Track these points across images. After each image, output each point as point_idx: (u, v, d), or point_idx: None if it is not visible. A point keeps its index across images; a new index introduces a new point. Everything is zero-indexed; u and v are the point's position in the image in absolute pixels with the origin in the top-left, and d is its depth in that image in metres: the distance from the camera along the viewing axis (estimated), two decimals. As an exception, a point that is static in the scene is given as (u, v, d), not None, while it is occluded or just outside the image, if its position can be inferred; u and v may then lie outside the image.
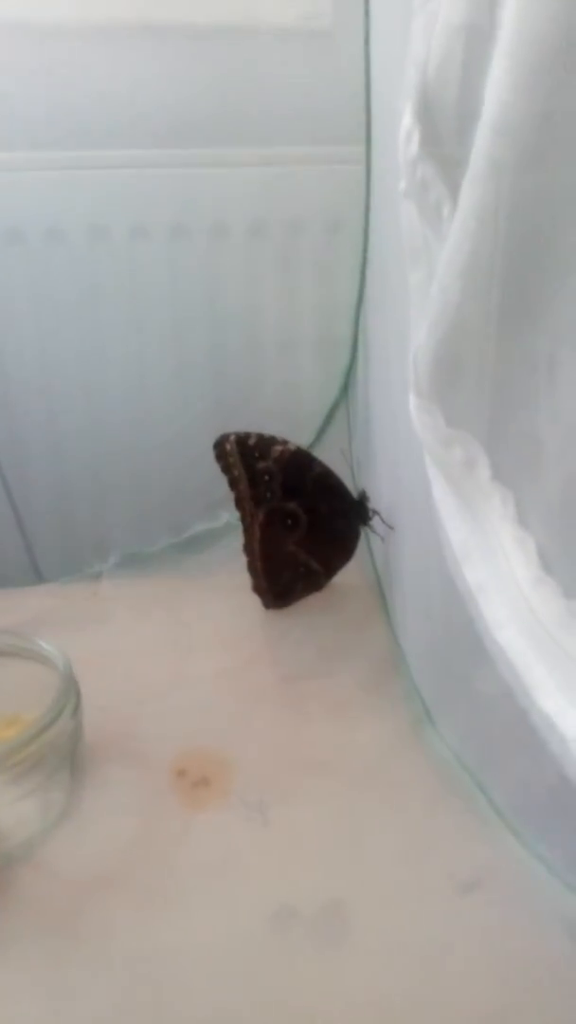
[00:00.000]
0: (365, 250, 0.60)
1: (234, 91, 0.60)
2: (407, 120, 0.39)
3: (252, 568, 0.55)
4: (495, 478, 0.36)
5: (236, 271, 0.63)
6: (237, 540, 0.61)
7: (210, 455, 0.61)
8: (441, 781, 0.41)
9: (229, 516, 0.65)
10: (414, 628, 0.48)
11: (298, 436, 0.60)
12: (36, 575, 0.70)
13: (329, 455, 0.58)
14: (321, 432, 0.65)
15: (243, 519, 0.54)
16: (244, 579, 0.57)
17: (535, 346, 0.33)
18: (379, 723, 0.46)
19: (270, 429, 0.56)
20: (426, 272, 0.41)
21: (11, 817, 0.39)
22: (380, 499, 0.54)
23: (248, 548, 0.55)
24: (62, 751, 0.40)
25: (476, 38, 0.35)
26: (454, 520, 0.38)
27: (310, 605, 0.57)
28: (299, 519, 0.53)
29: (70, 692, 0.41)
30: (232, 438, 0.53)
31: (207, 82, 0.59)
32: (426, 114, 0.38)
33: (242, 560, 0.57)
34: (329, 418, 0.65)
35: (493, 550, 0.36)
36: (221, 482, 0.62)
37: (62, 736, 0.40)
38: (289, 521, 0.53)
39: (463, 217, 0.34)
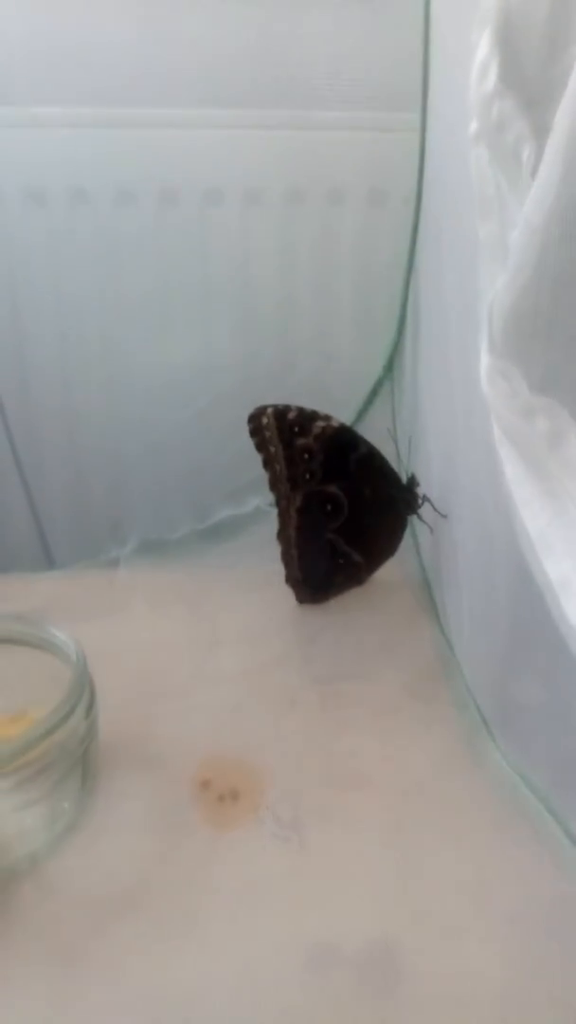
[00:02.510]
0: (417, 221, 0.56)
1: (274, 52, 0.55)
2: (483, 50, 0.34)
3: (286, 557, 0.50)
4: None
5: (270, 240, 0.58)
6: (266, 528, 0.56)
7: (239, 434, 0.56)
8: (503, 803, 0.36)
9: (259, 502, 0.60)
10: (471, 630, 0.43)
11: (336, 415, 0.56)
12: (48, 560, 0.67)
13: (371, 436, 0.52)
14: (363, 412, 0.59)
15: (278, 502, 0.49)
16: (275, 570, 0.52)
17: None
18: (429, 734, 0.41)
19: (314, 406, 0.51)
20: (498, 223, 0.36)
21: (13, 827, 0.34)
22: (430, 485, 0.49)
23: (282, 535, 0.50)
24: (72, 755, 0.35)
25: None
26: (532, 506, 0.33)
27: (348, 601, 0.52)
28: (340, 504, 0.48)
29: (83, 688, 0.36)
30: (269, 411, 0.47)
31: (246, 42, 0.55)
32: (507, 42, 0.34)
33: (272, 551, 0.52)
34: (372, 396, 0.59)
35: (576, 540, 0.31)
36: (250, 464, 0.58)
37: (73, 738, 0.35)
38: (329, 506, 0.48)
39: (559, 145, 0.30)
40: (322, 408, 0.51)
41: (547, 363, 0.32)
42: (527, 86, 0.34)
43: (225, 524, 0.60)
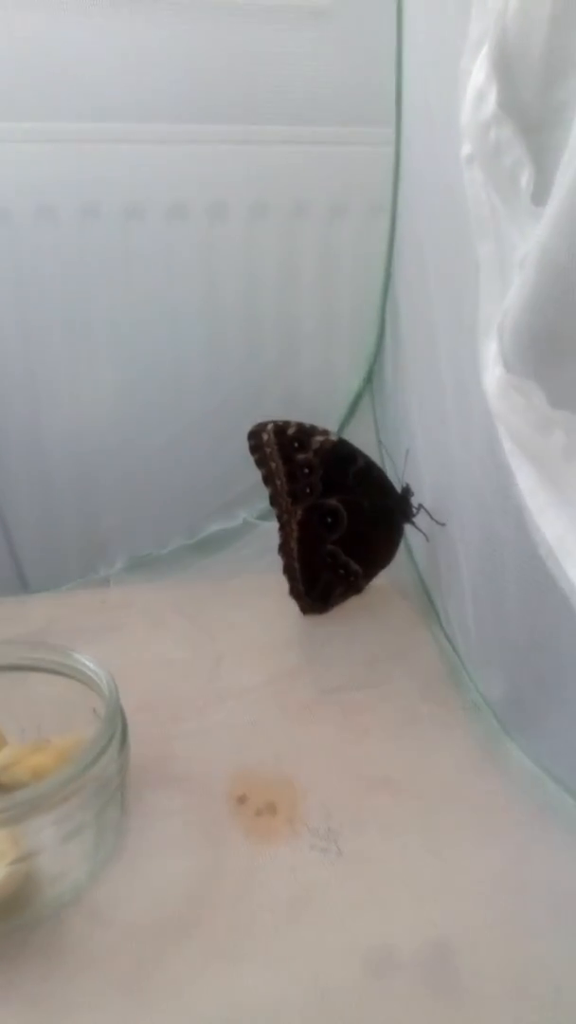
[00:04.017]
0: (392, 233, 0.57)
1: (243, 68, 0.56)
2: (479, 78, 0.35)
3: (289, 571, 0.51)
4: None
5: (245, 255, 0.59)
6: (256, 540, 0.57)
7: (225, 448, 0.56)
8: (531, 799, 0.38)
9: (246, 515, 0.61)
10: (480, 634, 0.45)
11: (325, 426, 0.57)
12: (21, 582, 0.64)
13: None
14: (344, 423, 0.61)
15: (279, 517, 0.50)
16: (271, 582, 0.53)
17: None
18: (448, 738, 0.42)
19: (296, 419, 0.52)
20: (495, 243, 0.38)
21: (60, 859, 0.33)
22: (422, 494, 0.51)
23: (284, 549, 0.50)
24: (112, 784, 0.35)
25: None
26: (547, 514, 0.35)
27: (349, 609, 0.53)
28: (340, 516, 0.49)
29: (119, 718, 0.36)
30: (270, 427, 0.48)
31: (223, 58, 0.55)
32: (504, 69, 0.35)
33: (265, 562, 0.53)
34: (353, 408, 0.61)
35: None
36: (236, 478, 0.58)
37: (112, 767, 0.35)
38: (329, 519, 0.49)
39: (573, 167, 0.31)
40: (311, 420, 0.53)
41: (566, 379, 0.34)
42: (525, 112, 0.35)
43: (214, 538, 0.60)
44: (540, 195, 0.34)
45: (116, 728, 0.35)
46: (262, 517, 0.59)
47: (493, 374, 0.35)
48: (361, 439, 0.56)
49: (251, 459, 0.51)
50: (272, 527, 0.54)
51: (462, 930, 0.33)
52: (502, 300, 0.37)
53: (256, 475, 0.53)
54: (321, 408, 0.61)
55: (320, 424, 0.53)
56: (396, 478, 0.53)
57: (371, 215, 0.59)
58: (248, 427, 0.52)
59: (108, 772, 0.35)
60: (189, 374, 0.60)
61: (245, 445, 0.52)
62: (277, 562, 0.53)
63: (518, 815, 0.37)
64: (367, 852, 0.36)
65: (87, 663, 0.38)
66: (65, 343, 0.59)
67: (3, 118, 0.54)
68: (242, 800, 0.38)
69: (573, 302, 0.33)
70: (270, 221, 0.59)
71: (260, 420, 0.52)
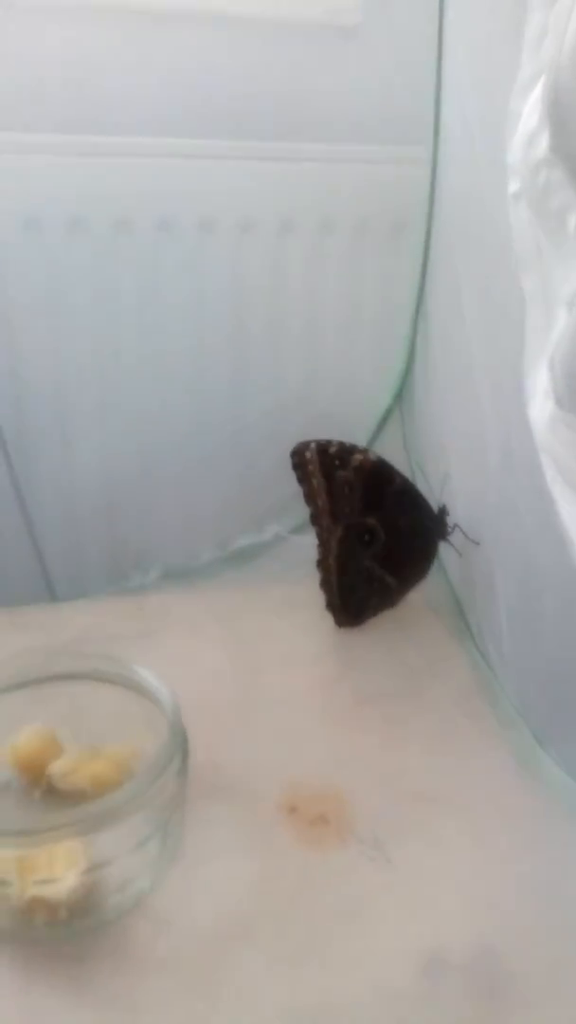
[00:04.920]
0: (427, 252, 0.59)
1: (273, 85, 0.57)
2: (533, 121, 0.37)
3: (326, 585, 0.53)
4: None
5: (273, 271, 0.60)
6: (288, 553, 0.58)
7: (254, 465, 0.58)
8: (568, 808, 0.40)
9: (277, 529, 0.63)
10: (515, 651, 0.47)
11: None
12: (50, 592, 0.64)
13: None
14: (373, 440, 0.62)
15: (319, 534, 0.52)
16: (306, 594, 0.55)
17: None
18: (483, 749, 0.44)
19: (324, 435, 0.53)
20: (539, 277, 0.39)
21: (130, 866, 0.35)
22: (455, 513, 0.53)
23: (323, 564, 0.52)
24: (175, 794, 0.37)
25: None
26: (590, 543, 0.37)
27: (384, 623, 0.55)
28: (377, 534, 0.51)
29: (182, 730, 0.38)
30: (313, 446, 0.50)
31: (254, 75, 0.56)
32: (557, 114, 0.37)
33: (300, 574, 0.55)
34: (382, 424, 0.63)
35: None
36: (268, 492, 0.60)
37: (176, 778, 0.36)
38: (367, 536, 0.51)
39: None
40: (333, 437, 0.54)
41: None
42: (574, 157, 0.37)
43: (246, 551, 0.62)
44: (588, 237, 0.36)
45: (180, 742, 0.37)
46: (293, 530, 0.60)
47: (544, 409, 0.37)
48: (390, 457, 0.57)
49: (280, 473, 0.53)
50: (302, 540, 0.56)
51: (508, 935, 0.35)
52: (547, 334, 0.38)
53: (285, 488, 0.55)
54: (349, 425, 0.62)
55: (350, 441, 0.55)
56: (427, 495, 0.55)
57: (399, 233, 0.60)
58: (277, 443, 0.54)
59: (172, 785, 0.36)
60: (217, 390, 0.61)
61: (274, 460, 0.54)
62: (310, 574, 0.54)
63: (555, 824, 0.39)
64: (416, 861, 0.38)
65: (146, 675, 0.40)
66: (94, 356, 0.60)
67: (34, 130, 0.54)
68: (293, 810, 0.40)
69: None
70: (298, 238, 0.60)
71: (288, 436, 0.53)
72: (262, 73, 0.56)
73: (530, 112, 0.37)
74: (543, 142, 0.37)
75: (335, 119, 0.58)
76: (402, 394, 0.62)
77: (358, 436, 0.64)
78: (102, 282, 0.58)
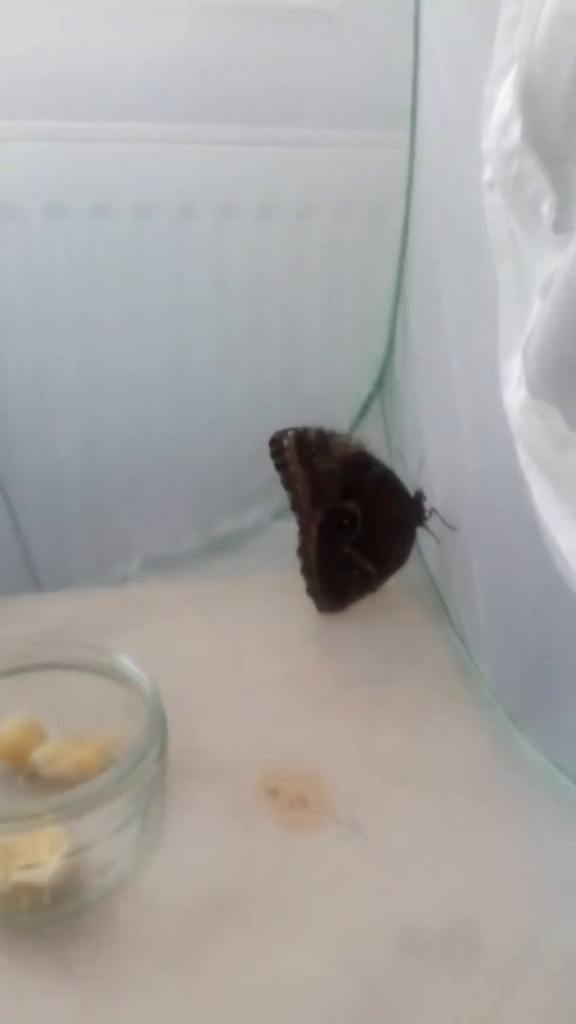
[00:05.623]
0: (405, 237, 0.59)
1: (252, 69, 0.57)
2: (505, 109, 0.37)
3: (307, 571, 0.53)
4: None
5: (253, 255, 0.60)
6: (269, 539, 0.59)
7: (236, 450, 0.58)
8: (541, 787, 0.41)
9: (258, 514, 0.63)
10: (491, 634, 0.47)
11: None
12: (35, 584, 0.65)
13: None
14: (355, 426, 0.63)
15: (299, 520, 0.52)
16: (287, 580, 0.55)
17: None
18: (460, 730, 0.45)
19: (306, 421, 0.54)
20: (514, 265, 0.40)
21: (110, 849, 0.36)
22: (433, 498, 0.53)
23: (303, 551, 0.53)
24: (156, 778, 0.37)
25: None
26: (562, 527, 0.37)
27: (365, 608, 0.55)
28: (356, 519, 0.51)
29: (161, 716, 0.38)
30: (290, 434, 0.50)
31: (232, 59, 0.56)
32: (530, 102, 0.37)
33: (281, 560, 0.55)
34: (364, 411, 0.63)
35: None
36: (249, 477, 0.60)
37: (157, 763, 0.37)
38: (346, 521, 0.51)
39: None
40: (314, 422, 0.54)
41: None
42: (548, 144, 0.36)
43: (228, 537, 0.63)
44: (560, 223, 0.36)
45: (159, 728, 0.38)
46: (275, 516, 0.61)
47: (516, 395, 0.37)
48: (371, 443, 0.58)
49: (261, 459, 0.53)
50: (284, 526, 0.56)
51: (483, 910, 0.36)
52: (521, 321, 0.39)
53: (266, 475, 0.55)
54: (331, 411, 0.62)
55: (330, 427, 0.55)
56: (407, 481, 0.55)
57: (379, 217, 0.60)
58: (260, 428, 0.54)
59: (153, 770, 0.37)
60: (199, 375, 0.62)
61: (256, 445, 0.54)
62: (291, 560, 0.55)
63: (529, 803, 0.40)
64: (391, 839, 0.39)
65: (127, 662, 0.40)
66: (75, 341, 0.60)
67: (14, 116, 0.54)
68: (274, 793, 0.40)
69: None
70: (278, 222, 0.60)
71: (269, 422, 0.54)
72: (241, 57, 0.56)
73: (503, 100, 0.37)
74: (516, 130, 0.37)
75: (315, 103, 0.58)
76: (383, 380, 0.63)
77: (340, 422, 0.64)
78: (81, 268, 0.58)
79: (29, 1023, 0.32)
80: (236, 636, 0.54)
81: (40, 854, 0.34)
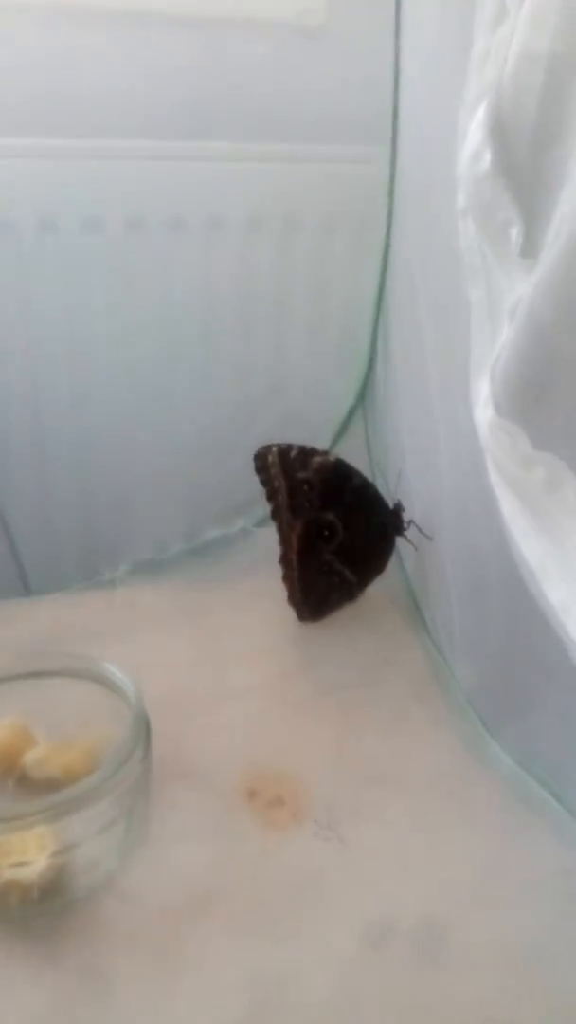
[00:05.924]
0: (386, 252, 0.61)
1: (238, 85, 0.58)
2: (477, 139, 0.39)
3: (288, 580, 0.55)
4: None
5: (237, 268, 0.62)
6: (254, 547, 0.60)
7: (222, 460, 0.60)
8: (511, 791, 0.43)
9: (244, 522, 0.65)
10: (463, 640, 0.49)
11: (318, 441, 0.60)
12: (24, 587, 0.67)
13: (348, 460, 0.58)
14: (337, 438, 0.65)
15: (280, 529, 0.54)
16: (270, 588, 0.57)
17: None
18: (434, 736, 0.47)
19: (289, 434, 0.56)
20: (485, 289, 0.41)
21: (96, 848, 0.37)
22: (411, 509, 0.55)
23: (284, 560, 0.54)
24: (140, 780, 0.39)
25: (559, 67, 0.36)
26: (528, 538, 0.39)
27: (344, 616, 0.57)
28: (336, 529, 0.53)
29: (145, 720, 0.40)
30: (274, 450, 0.52)
31: (219, 76, 0.58)
32: (500, 132, 0.39)
33: (264, 568, 0.57)
34: (346, 424, 0.65)
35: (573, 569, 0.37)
36: (236, 487, 0.61)
37: (141, 765, 0.39)
38: (326, 531, 0.53)
39: (561, 245, 0.35)
40: (305, 434, 0.56)
41: (548, 426, 0.38)
42: (517, 173, 0.38)
43: (213, 544, 0.64)
44: (528, 249, 0.38)
45: (143, 731, 0.40)
46: (259, 524, 0.63)
47: (485, 414, 0.39)
48: (353, 455, 0.59)
49: (247, 469, 0.55)
50: (268, 533, 0.58)
51: (451, 907, 0.38)
52: (491, 343, 0.40)
53: (252, 485, 0.56)
54: (315, 424, 0.65)
55: (314, 439, 0.57)
56: (387, 493, 0.57)
57: (363, 233, 0.62)
58: (245, 440, 0.55)
59: (136, 772, 0.39)
60: (186, 388, 0.63)
61: (242, 455, 0.55)
62: (275, 568, 0.56)
63: (499, 806, 0.42)
64: (366, 840, 0.41)
65: (112, 669, 0.42)
66: (66, 351, 0.62)
67: (5, 134, 0.55)
68: (253, 794, 0.42)
69: (555, 359, 0.37)
70: (265, 237, 0.61)
71: (255, 433, 0.56)
72: (227, 75, 0.57)
73: (475, 130, 0.39)
74: (487, 158, 0.39)
75: (299, 119, 0.59)
76: (364, 394, 0.64)
77: (323, 434, 0.67)
78: (73, 281, 0.59)
79: (18, 1013, 0.34)
80: (220, 641, 0.55)
81: (29, 853, 0.36)
